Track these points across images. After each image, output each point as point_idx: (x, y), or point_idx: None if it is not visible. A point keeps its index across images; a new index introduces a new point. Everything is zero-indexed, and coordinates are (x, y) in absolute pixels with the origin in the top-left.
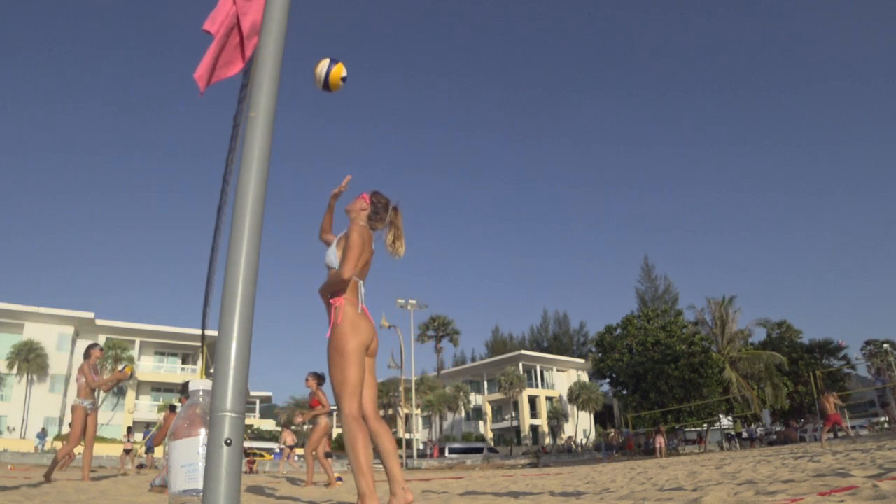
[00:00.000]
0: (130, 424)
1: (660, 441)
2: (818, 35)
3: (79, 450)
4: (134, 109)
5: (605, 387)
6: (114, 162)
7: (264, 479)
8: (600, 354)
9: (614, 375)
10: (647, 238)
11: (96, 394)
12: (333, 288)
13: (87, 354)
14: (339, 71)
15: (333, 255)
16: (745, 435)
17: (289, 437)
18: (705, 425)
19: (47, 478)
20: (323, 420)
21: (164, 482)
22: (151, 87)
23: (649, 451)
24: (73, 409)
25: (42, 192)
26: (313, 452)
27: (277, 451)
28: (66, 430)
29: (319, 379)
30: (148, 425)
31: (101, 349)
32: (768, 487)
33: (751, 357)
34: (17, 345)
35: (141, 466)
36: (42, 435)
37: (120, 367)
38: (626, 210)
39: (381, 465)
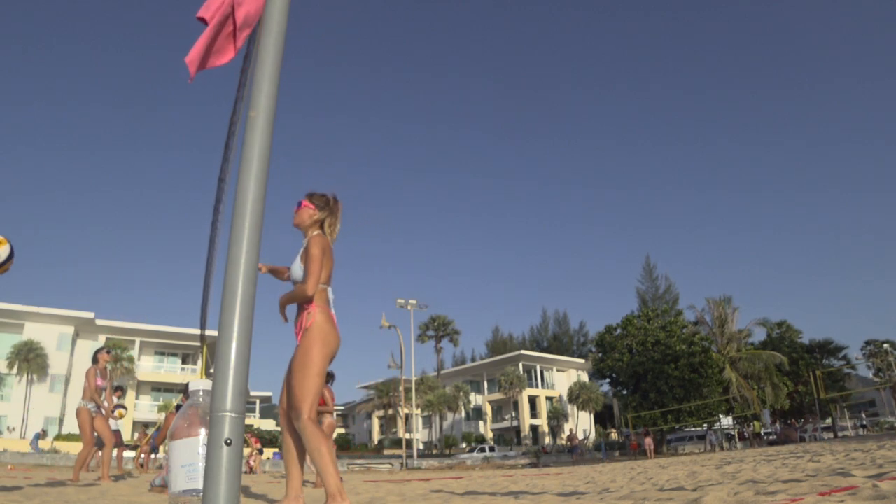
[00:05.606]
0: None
1: (648, 442)
2: (817, 34)
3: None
4: (133, 108)
5: (605, 387)
6: (113, 161)
7: (265, 479)
8: (600, 354)
9: (614, 375)
10: (647, 238)
11: (102, 396)
12: (296, 301)
13: (94, 359)
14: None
15: (299, 269)
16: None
17: None
18: (705, 425)
19: (74, 479)
20: (327, 419)
21: (164, 482)
22: (151, 86)
23: (642, 452)
24: (78, 412)
25: (42, 191)
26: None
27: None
28: (66, 430)
29: (328, 376)
30: (146, 425)
31: (109, 351)
32: (768, 487)
33: (751, 357)
34: (17, 345)
35: (141, 466)
36: (37, 437)
37: (114, 408)
38: (626, 210)
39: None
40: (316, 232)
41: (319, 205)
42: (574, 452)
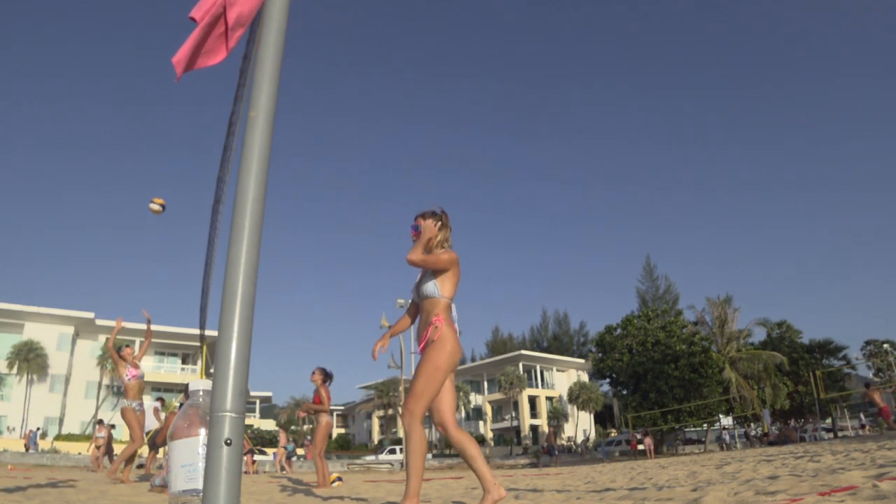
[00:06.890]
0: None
1: (647, 442)
2: (817, 34)
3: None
4: (133, 108)
5: (605, 387)
6: (113, 161)
7: (265, 479)
8: (600, 354)
9: (614, 375)
10: (647, 238)
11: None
12: (422, 263)
13: (121, 356)
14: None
15: (433, 286)
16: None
17: (282, 438)
18: (705, 425)
19: (124, 479)
20: (324, 418)
21: (164, 482)
22: (151, 86)
23: (640, 452)
24: (123, 411)
25: (42, 191)
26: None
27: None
28: (66, 430)
29: (325, 375)
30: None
31: (128, 345)
32: (768, 487)
33: (751, 357)
34: (17, 345)
35: (141, 466)
36: (35, 437)
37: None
38: (626, 210)
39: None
40: (443, 247)
41: (437, 222)
42: (551, 454)
